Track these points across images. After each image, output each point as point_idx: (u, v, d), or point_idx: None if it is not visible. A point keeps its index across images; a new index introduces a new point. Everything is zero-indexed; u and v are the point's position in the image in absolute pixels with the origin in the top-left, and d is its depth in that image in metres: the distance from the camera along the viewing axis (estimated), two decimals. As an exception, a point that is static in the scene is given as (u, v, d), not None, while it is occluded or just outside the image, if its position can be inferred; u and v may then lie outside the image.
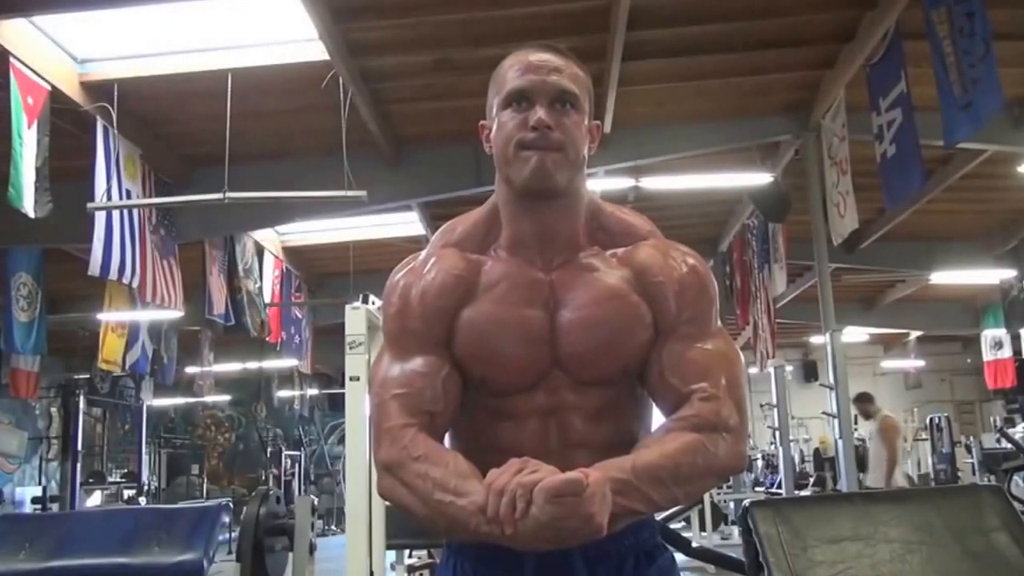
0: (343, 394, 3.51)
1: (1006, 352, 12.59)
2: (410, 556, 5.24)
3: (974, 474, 10.16)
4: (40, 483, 13.02)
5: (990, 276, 10.48)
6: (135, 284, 6.25)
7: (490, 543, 1.04)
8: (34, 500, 10.44)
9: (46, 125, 4.96)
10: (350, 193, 5.41)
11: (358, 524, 3.22)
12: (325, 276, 10.79)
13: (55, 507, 10.23)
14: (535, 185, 1.18)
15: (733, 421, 1.16)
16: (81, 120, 5.49)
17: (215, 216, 7.00)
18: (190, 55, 5.46)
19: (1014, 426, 11.29)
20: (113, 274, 5.85)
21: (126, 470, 14.20)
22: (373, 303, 3.38)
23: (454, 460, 1.11)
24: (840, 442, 6.21)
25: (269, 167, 6.73)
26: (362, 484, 3.25)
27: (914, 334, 15.08)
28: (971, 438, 11.91)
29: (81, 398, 11.16)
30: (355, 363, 3.31)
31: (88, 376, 13.16)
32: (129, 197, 5.88)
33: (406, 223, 8.61)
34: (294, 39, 5.25)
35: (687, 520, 8.27)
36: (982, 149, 6.75)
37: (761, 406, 9.83)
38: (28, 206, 4.80)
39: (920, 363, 16.11)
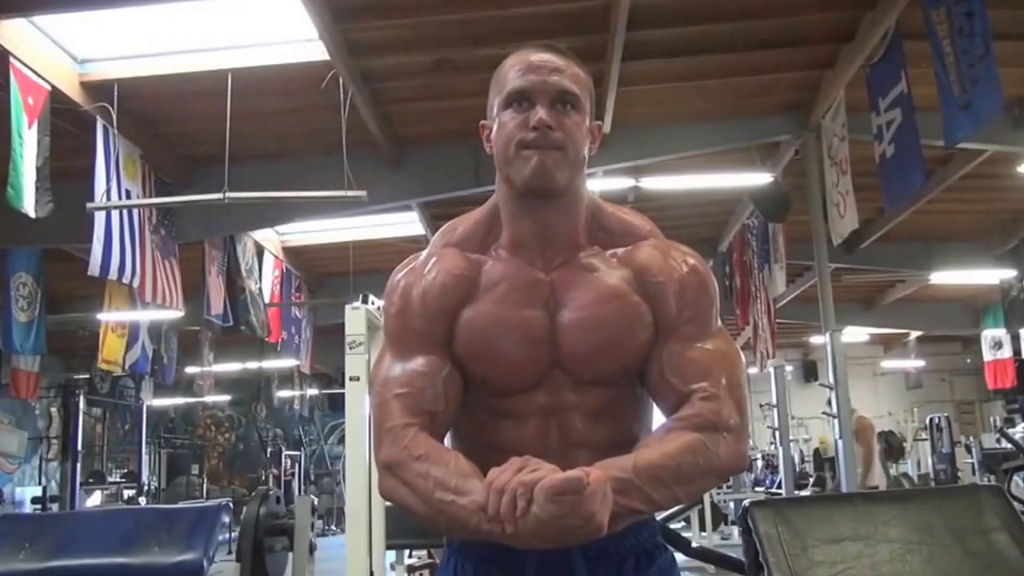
0: (343, 394, 3.52)
1: (1006, 352, 12.60)
2: (410, 556, 5.23)
3: (974, 474, 10.16)
4: (40, 483, 13.03)
5: (990, 276, 10.49)
6: (135, 284, 6.25)
7: (491, 543, 1.04)
8: (34, 500, 10.43)
9: (46, 125, 4.96)
10: (350, 193, 5.41)
11: (358, 524, 3.22)
12: (325, 276, 10.79)
13: (55, 507, 10.22)
14: (535, 185, 1.18)
15: (734, 421, 1.16)
16: (81, 120, 5.49)
17: (215, 216, 7.00)
18: (190, 55, 5.46)
19: (1014, 426, 11.30)
20: (113, 274, 5.85)
21: (126, 470, 14.20)
22: (373, 303, 3.38)
23: (455, 459, 1.11)
24: (840, 442, 6.21)
25: (269, 167, 6.73)
26: (362, 484, 3.25)
27: (914, 334, 15.09)
28: (971, 438, 11.91)
29: (81, 398, 11.15)
30: (355, 363, 3.31)
31: (88, 376, 13.16)
32: (129, 197, 5.88)
33: (406, 223, 8.61)
34: (294, 39, 5.25)
35: (687, 520, 8.27)
36: (982, 149, 6.75)
37: (761, 406, 9.83)
38: (28, 206, 4.80)
39: (920, 363, 16.12)
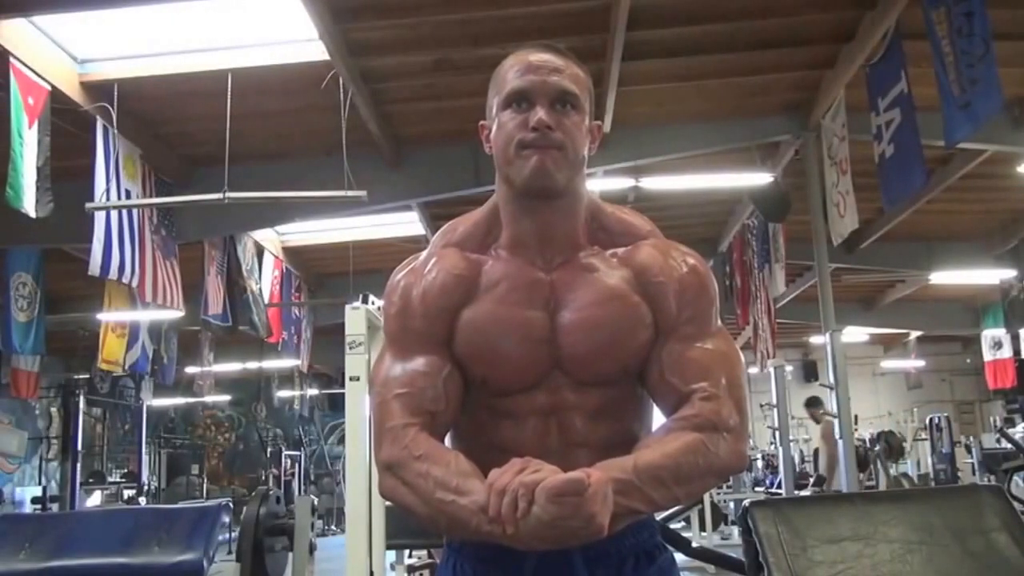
0: (343, 394, 3.52)
1: (1006, 352, 12.60)
2: (410, 556, 5.23)
3: (974, 474, 10.16)
4: (40, 483, 13.03)
5: (990, 276, 10.49)
6: (135, 284, 6.25)
7: (490, 543, 1.04)
8: (34, 500, 10.43)
9: (47, 125, 4.96)
10: (350, 193, 5.41)
11: (358, 524, 3.22)
12: (325, 276, 10.79)
13: (55, 507, 10.23)
14: (535, 185, 1.18)
15: (733, 421, 1.16)
16: (81, 120, 5.49)
17: (215, 216, 7.00)
18: (190, 55, 5.46)
19: (1014, 426, 11.30)
20: (113, 274, 5.85)
21: (126, 470, 14.19)
22: (373, 303, 3.38)
23: (455, 459, 1.11)
24: (840, 442, 6.21)
25: (269, 167, 6.73)
26: (362, 484, 3.25)
27: (914, 334, 15.09)
28: (971, 438, 11.91)
29: (81, 398, 11.15)
30: (355, 363, 3.31)
31: (88, 376, 13.16)
32: (129, 197, 5.88)
33: (406, 223, 8.61)
34: (294, 39, 5.25)
35: (687, 520, 8.27)
36: (982, 149, 6.75)
37: (761, 406, 9.83)
38: (28, 206, 4.80)
39: (920, 363, 16.11)
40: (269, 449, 15.18)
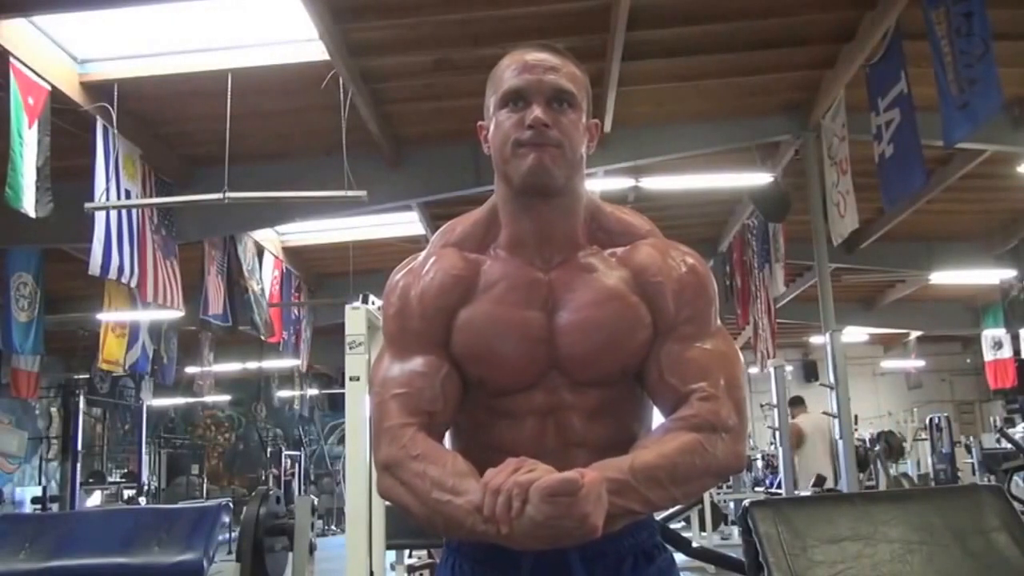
0: (343, 394, 3.51)
1: (1007, 352, 12.60)
2: (410, 556, 5.23)
3: (974, 474, 10.15)
4: (40, 483, 13.02)
5: (990, 276, 10.48)
6: (134, 284, 6.25)
7: (488, 542, 1.04)
8: (34, 500, 10.42)
9: (47, 125, 4.96)
10: (350, 193, 5.41)
11: (358, 524, 3.22)
12: (325, 276, 10.79)
13: (55, 507, 10.22)
14: (533, 183, 1.18)
15: (732, 421, 1.16)
16: (81, 120, 5.49)
17: (215, 216, 7.00)
18: (190, 55, 5.46)
19: (1014, 426, 11.29)
20: (113, 274, 5.85)
21: (126, 470, 14.19)
22: (373, 303, 3.38)
23: (452, 459, 1.11)
24: (840, 442, 6.21)
25: (269, 167, 6.73)
26: (362, 484, 3.25)
27: (914, 334, 15.08)
28: (971, 438, 11.90)
29: (81, 398, 11.14)
30: (355, 363, 3.31)
31: (88, 376, 13.16)
32: (129, 197, 5.88)
33: (406, 223, 8.61)
34: (294, 39, 5.25)
35: (687, 520, 8.27)
36: (982, 149, 6.75)
37: (761, 406, 9.81)
38: (28, 206, 4.80)
39: (920, 363, 16.11)
40: (269, 449, 15.18)
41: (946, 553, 2.12)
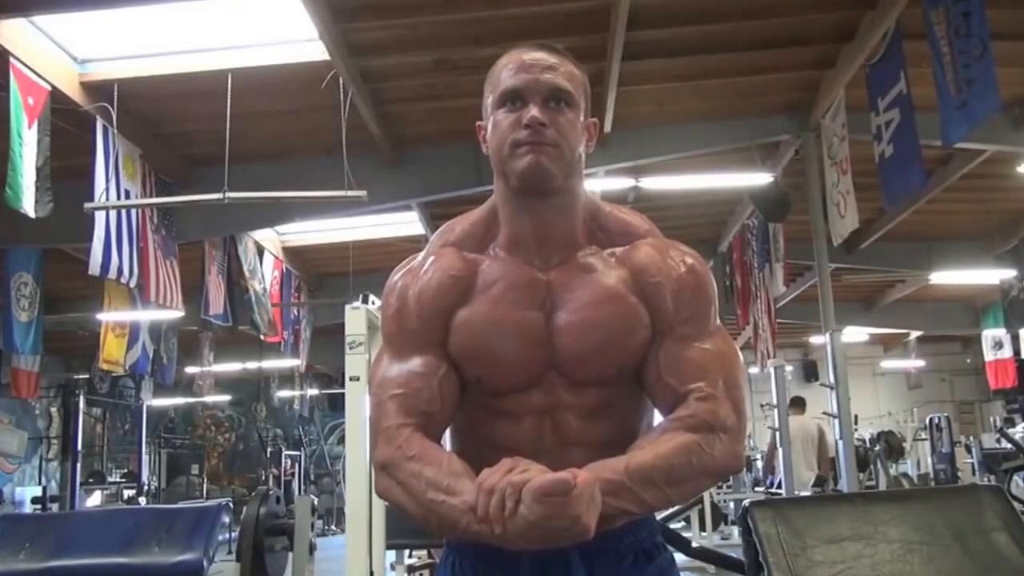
0: (343, 394, 3.52)
1: (1007, 352, 12.60)
2: (410, 556, 5.23)
3: (974, 474, 10.15)
4: (40, 483, 13.02)
5: (990, 276, 10.48)
6: (133, 284, 6.25)
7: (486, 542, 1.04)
8: (34, 500, 10.42)
9: (46, 125, 4.96)
10: (350, 193, 5.41)
11: (358, 524, 3.22)
12: (325, 276, 10.79)
13: (55, 507, 10.22)
14: (531, 181, 1.18)
15: (731, 421, 1.16)
16: (81, 120, 5.49)
17: (215, 216, 7.00)
18: (190, 55, 5.46)
19: (1014, 426, 11.29)
20: (112, 274, 5.85)
21: (126, 470, 14.19)
22: (373, 303, 3.38)
23: (448, 459, 1.11)
24: (840, 442, 6.21)
25: (269, 167, 6.73)
26: (362, 484, 3.25)
27: (914, 334, 15.08)
28: (971, 438, 11.90)
29: (81, 398, 11.14)
30: (355, 363, 3.31)
31: (88, 376, 13.16)
32: (128, 197, 5.88)
33: (406, 223, 8.61)
34: (294, 39, 5.25)
35: (687, 520, 8.27)
36: (982, 149, 6.75)
37: (761, 406, 9.82)
38: (28, 206, 4.80)
39: (920, 363, 16.11)
40: (269, 449, 15.17)
41: (946, 553, 2.12)
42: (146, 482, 13.33)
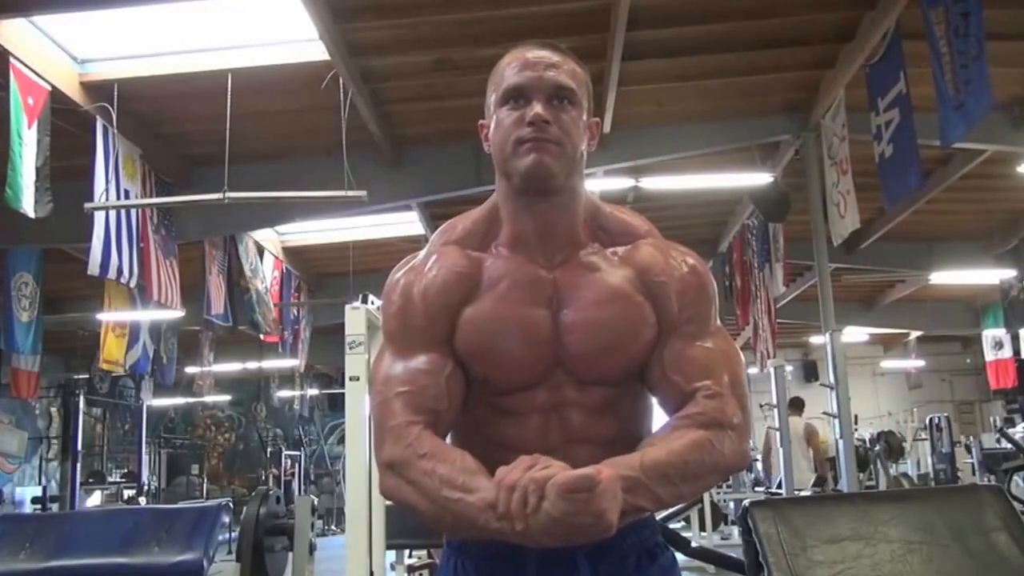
0: (343, 394, 3.52)
1: (1007, 352, 12.60)
2: (410, 556, 5.23)
3: (974, 474, 10.15)
4: (40, 483, 13.01)
5: (990, 276, 10.48)
6: (133, 284, 6.25)
7: (491, 541, 1.04)
8: (34, 500, 10.42)
9: (46, 125, 4.95)
10: (350, 193, 5.41)
11: (358, 524, 3.22)
12: (325, 276, 10.79)
13: (55, 507, 10.21)
14: (533, 179, 1.18)
15: (737, 419, 1.16)
16: (81, 120, 5.49)
17: (215, 216, 7.00)
18: (190, 55, 5.46)
19: (1014, 426, 11.29)
20: (112, 274, 5.85)
21: (126, 470, 14.18)
22: (373, 303, 3.38)
23: (461, 457, 1.10)
24: (840, 442, 6.21)
25: (269, 167, 6.73)
26: (362, 484, 3.25)
27: (914, 334, 15.08)
28: (971, 438, 11.90)
29: (81, 398, 11.14)
30: (355, 363, 3.32)
31: (88, 376, 13.15)
32: (128, 197, 5.88)
33: (406, 223, 8.61)
34: (294, 39, 5.25)
35: (687, 520, 8.27)
36: (982, 149, 6.75)
37: (761, 406, 9.82)
38: (27, 206, 4.80)
39: (920, 363, 16.11)
40: (269, 449, 15.17)
41: (946, 553, 2.12)
42: (146, 482, 13.33)
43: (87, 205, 5.35)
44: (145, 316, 8.95)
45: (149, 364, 9.74)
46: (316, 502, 7.68)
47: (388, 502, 1.22)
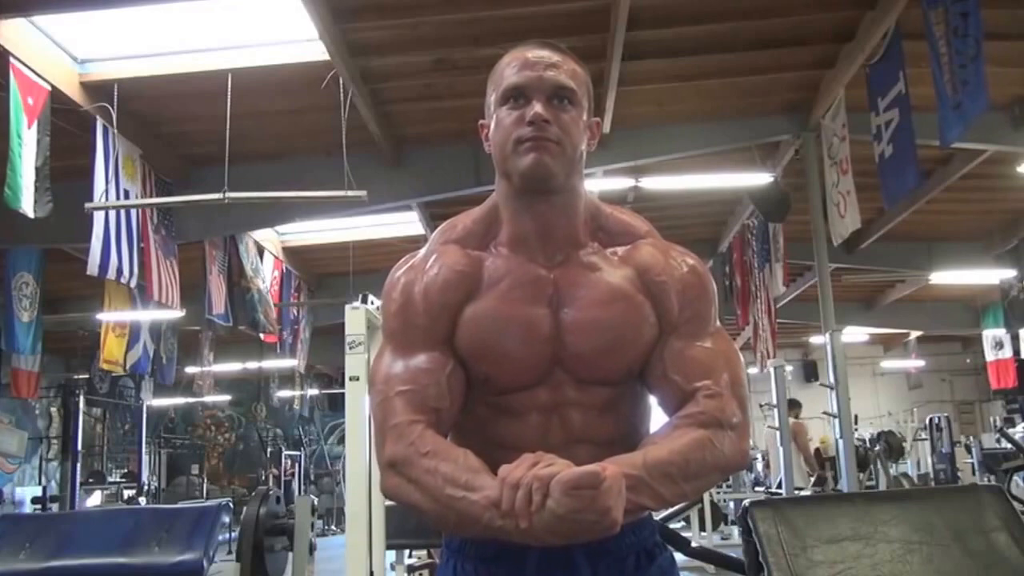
0: (343, 394, 3.52)
1: (1007, 352, 12.60)
2: (410, 556, 5.23)
3: (974, 474, 10.16)
4: (40, 483, 13.02)
5: (990, 276, 10.48)
6: (133, 284, 6.25)
7: (492, 541, 1.04)
8: (34, 500, 10.42)
9: (46, 125, 4.95)
10: (350, 193, 5.41)
11: (358, 524, 3.23)
12: (325, 276, 10.79)
13: (55, 507, 10.22)
14: (533, 179, 1.18)
15: (737, 418, 1.17)
16: (81, 120, 5.49)
17: (215, 216, 7.00)
18: (190, 55, 5.46)
19: (1014, 426, 11.30)
20: (111, 274, 5.85)
21: (126, 470, 14.20)
22: (373, 303, 3.38)
23: (464, 456, 1.09)
24: (840, 442, 6.21)
25: (269, 167, 6.73)
26: (362, 484, 3.26)
27: (914, 334, 15.09)
28: (971, 438, 11.91)
29: (81, 398, 11.15)
30: (355, 363, 3.32)
31: (88, 376, 13.15)
32: (128, 197, 5.88)
33: (406, 223, 8.62)
34: (294, 39, 5.25)
35: (687, 520, 8.27)
36: (982, 149, 6.75)
37: (761, 406, 9.83)
38: (27, 206, 4.80)
39: (920, 363, 16.12)
40: (269, 449, 15.18)
41: (946, 553, 2.12)
42: (146, 482, 13.35)
43: (87, 205, 5.35)
44: (145, 316, 8.95)
45: (149, 364, 9.74)
46: (316, 502, 7.68)
47: (388, 502, 1.22)
